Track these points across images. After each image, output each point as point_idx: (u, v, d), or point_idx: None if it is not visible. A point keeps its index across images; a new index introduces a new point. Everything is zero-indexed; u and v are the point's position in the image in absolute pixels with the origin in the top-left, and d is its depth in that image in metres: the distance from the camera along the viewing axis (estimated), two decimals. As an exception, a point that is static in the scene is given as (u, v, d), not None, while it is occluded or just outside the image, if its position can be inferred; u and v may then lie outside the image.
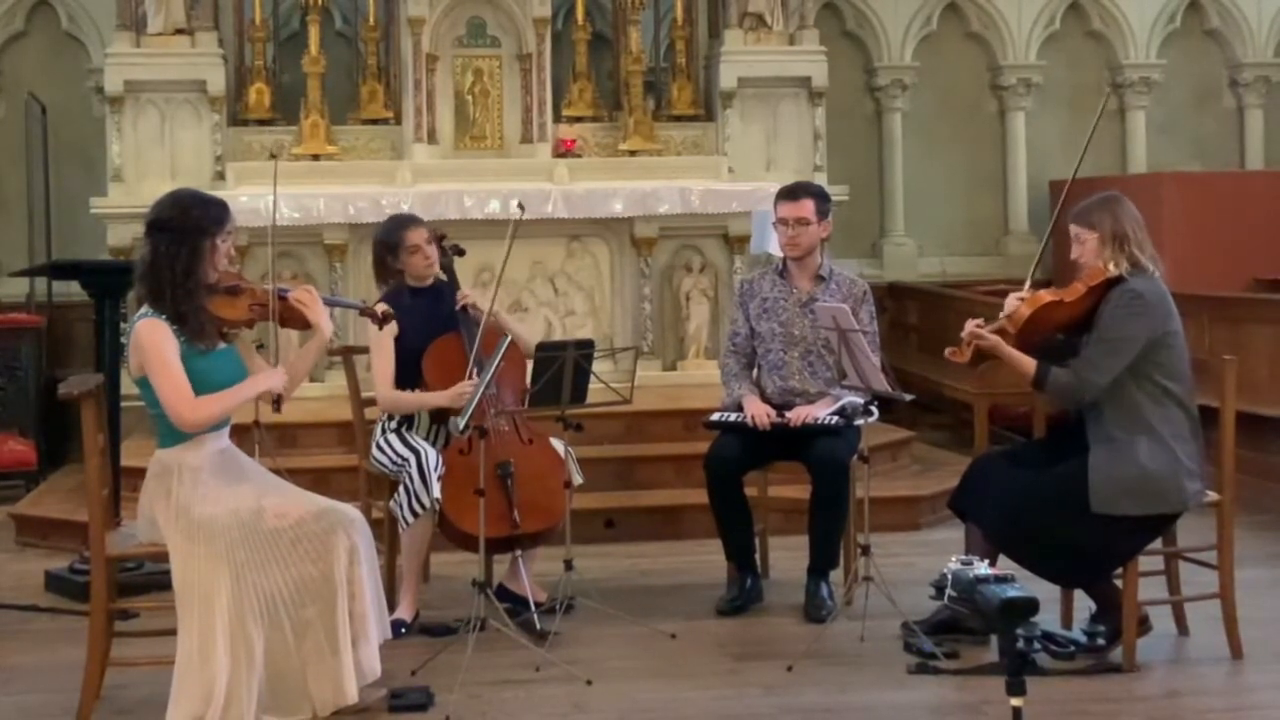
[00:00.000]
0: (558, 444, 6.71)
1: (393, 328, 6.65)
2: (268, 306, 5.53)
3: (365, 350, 7.59)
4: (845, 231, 11.26)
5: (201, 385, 5.41)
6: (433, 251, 6.86)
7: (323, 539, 5.32)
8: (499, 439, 6.61)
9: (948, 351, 6.10)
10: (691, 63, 11.21)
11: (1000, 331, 5.98)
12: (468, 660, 5.83)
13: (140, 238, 5.68)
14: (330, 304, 5.88)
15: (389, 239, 6.88)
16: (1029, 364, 5.98)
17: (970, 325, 6.02)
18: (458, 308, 6.77)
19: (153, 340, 5.35)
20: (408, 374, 6.72)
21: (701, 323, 10.50)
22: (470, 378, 6.51)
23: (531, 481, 6.57)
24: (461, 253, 7.03)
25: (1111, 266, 5.91)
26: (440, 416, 6.72)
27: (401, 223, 6.95)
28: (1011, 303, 6.04)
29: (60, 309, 11.16)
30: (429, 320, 6.77)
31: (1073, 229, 6.04)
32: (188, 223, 5.44)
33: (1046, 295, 5.97)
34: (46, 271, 9.36)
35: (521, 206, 6.80)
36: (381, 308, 6.31)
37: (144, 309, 5.43)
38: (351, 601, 5.33)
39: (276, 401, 5.49)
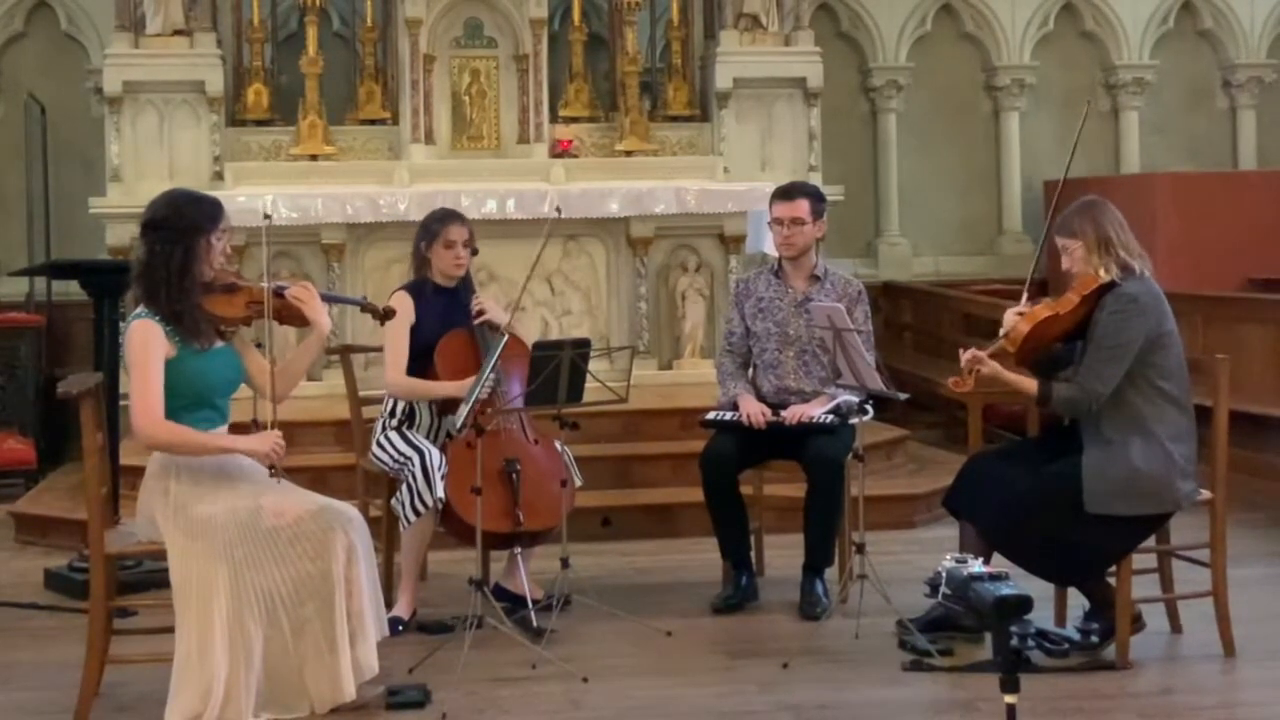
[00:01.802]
0: (556, 445, 6.76)
1: (410, 314, 6.74)
2: (263, 304, 5.55)
3: (363, 349, 7.65)
4: (840, 231, 11.31)
5: (197, 384, 5.44)
6: (466, 255, 6.89)
7: (321, 537, 5.34)
8: (507, 436, 6.66)
9: (951, 381, 6.09)
10: (687, 63, 11.23)
11: (999, 351, 6.01)
12: (465, 658, 5.84)
13: (139, 238, 5.70)
14: (329, 300, 5.90)
15: (431, 226, 6.91)
16: (1030, 385, 6.01)
17: (969, 353, 6.05)
18: (475, 322, 6.79)
19: (140, 342, 5.37)
20: (419, 365, 6.76)
21: (697, 322, 10.52)
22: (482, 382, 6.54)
23: (537, 481, 6.61)
24: (475, 252, 7.06)
25: (1102, 272, 5.92)
26: (446, 409, 6.74)
27: (446, 216, 6.97)
28: (1010, 318, 6.05)
29: (59, 308, 11.18)
30: (445, 316, 6.82)
31: (1058, 240, 6.07)
32: (182, 221, 5.46)
33: (1043, 310, 5.98)
34: (46, 271, 9.39)
35: (559, 210, 7.05)
36: (385, 304, 6.36)
37: (139, 309, 5.44)
38: (349, 599, 5.36)
39: (272, 468, 5.45)
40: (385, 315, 6.24)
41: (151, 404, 5.34)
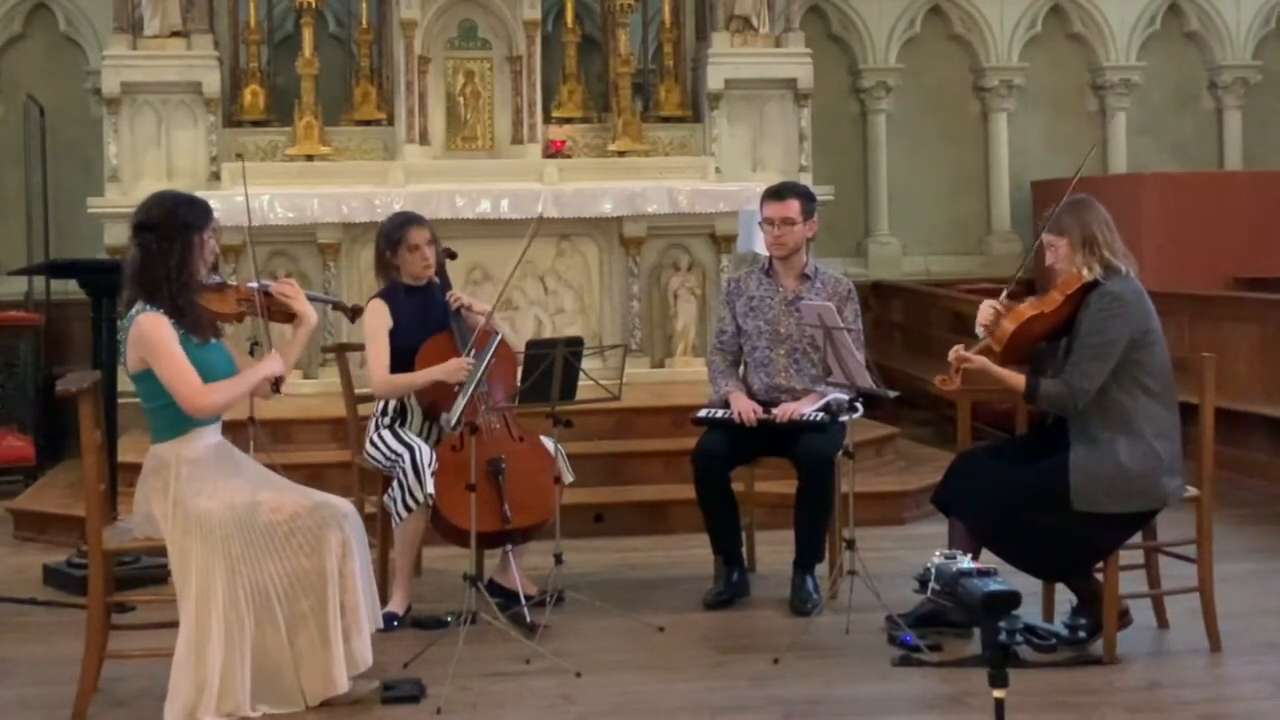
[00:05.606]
0: (548, 442, 6.79)
1: (386, 319, 6.79)
2: (254, 302, 5.65)
3: (358, 347, 7.69)
4: (830, 231, 11.34)
5: (202, 375, 5.49)
6: (432, 254, 6.90)
7: (316, 533, 5.39)
8: (491, 436, 6.68)
9: (937, 380, 6.11)
10: (679, 65, 11.28)
11: (985, 350, 6.04)
12: (459, 653, 5.86)
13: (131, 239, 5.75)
14: (309, 298, 5.97)
15: (391, 234, 6.93)
16: (1018, 380, 6.03)
17: (955, 350, 6.09)
18: (453, 308, 6.86)
19: (157, 332, 5.42)
20: (400, 368, 6.79)
21: (689, 321, 10.56)
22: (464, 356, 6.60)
23: (523, 478, 6.64)
24: (453, 256, 7.11)
25: (1086, 271, 5.96)
26: (433, 412, 6.81)
27: (406, 219, 6.99)
28: (986, 311, 6.09)
29: (58, 307, 11.19)
30: (421, 318, 6.84)
31: (1044, 237, 6.10)
32: (175, 220, 5.52)
33: (1027, 309, 6.01)
34: (45, 270, 9.39)
35: (541, 215, 7.04)
36: (354, 303, 6.45)
37: (141, 304, 5.50)
38: (343, 594, 5.40)
39: (277, 382, 5.59)
40: (354, 314, 6.37)
41: (193, 380, 5.41)
